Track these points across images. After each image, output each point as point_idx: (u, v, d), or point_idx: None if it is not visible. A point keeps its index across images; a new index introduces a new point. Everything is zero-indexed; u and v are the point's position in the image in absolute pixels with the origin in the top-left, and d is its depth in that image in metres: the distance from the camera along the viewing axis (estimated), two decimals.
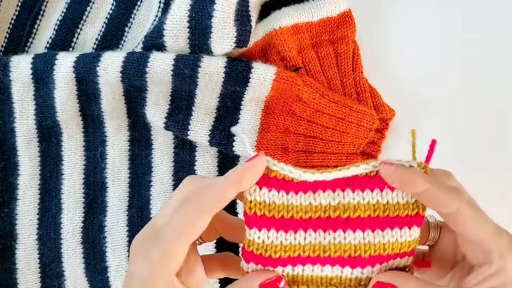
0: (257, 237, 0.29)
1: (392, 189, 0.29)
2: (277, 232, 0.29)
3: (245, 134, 0.30)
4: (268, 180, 0.29)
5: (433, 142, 0.30)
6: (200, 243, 0.32)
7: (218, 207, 0.28)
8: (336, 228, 0.30)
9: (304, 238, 0.30)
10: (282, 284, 0.29)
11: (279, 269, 0.30)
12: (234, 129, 0.30)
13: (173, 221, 0.28)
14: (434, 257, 0.32)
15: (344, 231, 0.29)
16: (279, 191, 0.29)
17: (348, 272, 0.30)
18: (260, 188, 0.29)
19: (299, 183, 0.29)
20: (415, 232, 0.29)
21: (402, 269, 0.31)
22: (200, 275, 0.31)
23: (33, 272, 0.45)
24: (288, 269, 0.30)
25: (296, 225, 0.30)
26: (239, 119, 0.45)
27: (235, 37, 0.43)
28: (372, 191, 0.29)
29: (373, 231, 0.29)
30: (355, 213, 0.29)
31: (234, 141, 0.44)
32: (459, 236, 0.29)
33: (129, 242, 0.46)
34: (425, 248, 0.33)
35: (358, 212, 0.29)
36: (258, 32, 0.46)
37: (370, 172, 0.29)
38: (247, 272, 0.30)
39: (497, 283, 0.26)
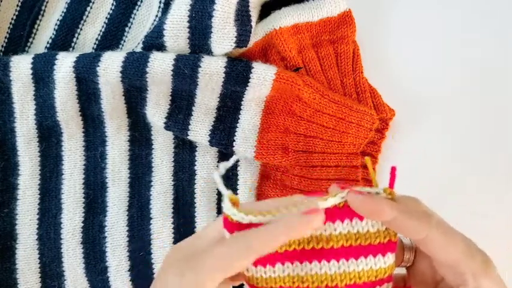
0: (246, 270, 0.30)
1: (361, 218, 0.30)
2: (256, 267, 0.30)
3: (218, 177, 0.30)
4: (234, 225, 0.29)
5: (393, 169, 0.30)
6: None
7: (265, 251, 0.27)
8: (312, 259, 0.30)
9: (283, 271, 0.30)
10: None
11: None
12: (216, 175, 0.30)
13: (215, 253, 0.27)
14: (413, 279, 0.32)
15: (319, 262, 0.30)
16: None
17: None
18: (231, 233, 0.29)
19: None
20: (389, 259, 0.30)
21: None
22: None
23: (33, 272, 0.45)
24: None
25: (273, 260, 0.30)
26: (239, 119, 0.45)
27: (235, 37, 0.43)
28: (342, 222, 0.30)
29: (347, 260, 0.30)
30: (329, 244, 0.30)
31: (234, 141, 0.45)
32: (433, 259, 0.29)
33: (129, 242, 0.46)
34: (403, 272, 0.33)
35: (331, 243, 0.30)
36: (258, 32, 0.46)
37: (339, 203, 0.30)
38: None
39: None
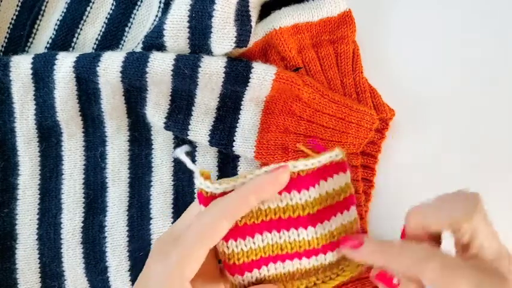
0: (228, 247, 0.31)
1: (325, 179, 0.32)
2: (236, 241, 0.31)
3: (184, 155, 0.31)
4: (207, 198, 0.30)
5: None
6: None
7: (238, 214, 0.29)
8: (289, 227, 0.31)
9: (262, 240, 0.31)
10: None
11: (249, 276, 0.32)
12: (177, 152, 0.31)
13: (193, 227, 0.29)
14: None
15: (296, 229, 0.32)
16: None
17: (305, 263, 0.32)
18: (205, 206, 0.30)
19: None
20: (353, 212, 0.32)
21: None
22: (218, 285, 0.32)
23: (33, 272, 0.45)
24: (255, 273, 0.32)
25: (251, 231, 0.31)
26: (239, 119, 0.45)
27: (235, 37, 0.43)
28: (314, 187, 0.32)
29: (322, 223, 0.32)
30: (305, 211, 0.31)
31: (234, 141, 0.45)
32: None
33: (129, 242, 0.46)
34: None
35: (307, 209, 0.31)
36: (258, 32, 0.46)
37: (308, 169, 0.31)
38: (234, 285, 0.32)
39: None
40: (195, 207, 0.32)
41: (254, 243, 0.31)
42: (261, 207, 0.31)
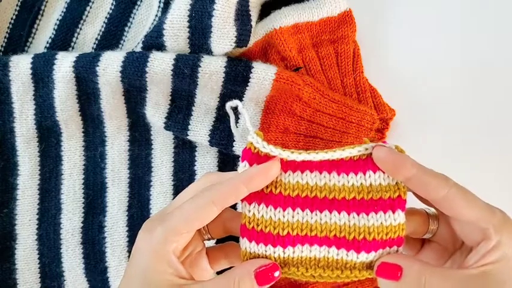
0: (257, 211, 0.30)
1: (374, 171, 0.30)
2: (267, 207, 0.30)
3: (243, 109, 0.32)
4: (252, 156, 0.30)
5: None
6: (209, 239, 0.33)
7: (228, 201, 0.29)
8: (322, 208, 0.30)
9: (293, 216, 0.30)
10: (277, 273, 0.30)
11: (271, 250, 0.31)
12: (232, 104, 0.33)
13: (182, 207, 0.29)
14: (434, 247, 0.32)
15: (330, 212, 0.30)
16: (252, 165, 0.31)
17: (334, 253, 0.31)
18: (251, 165, 0.30)
19: (287, 162, 0.30)
20: (399, 216, 0.30)
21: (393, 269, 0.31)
22: (205, 266, 0.32)
23: (32, 272, 0.45)
24: (279, 251, 0.31)
25: (284, 203, 0.30)
26: (239, 118, 0.45)
27: (235, 37, 0.43)
28: (356, 174, 0.30)
29: (358, 214, 0.30)
30: (340, 195, 0.30)
31: (234, 141, 0.44)
32: (454, 219, 0.30)
33: (129, 242, 0.45)
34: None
35: (343, 193, 0.30)
36: (258, 31, 0.46)
37: (354, 156, 0.30)
38: (248, 253, 0.31)
39: (496, 257, 0.27)
40: (187, 192, 0.32)
41: (284, 216, 0.30)
42: (300, 181, 0.30)
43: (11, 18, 0.49)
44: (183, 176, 0.46)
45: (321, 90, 0.44)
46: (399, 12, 0.49)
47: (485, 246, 0.27)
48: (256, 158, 0.30)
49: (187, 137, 0.45)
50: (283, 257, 0.31)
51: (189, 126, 0.44)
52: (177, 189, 0.46)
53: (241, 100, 0.44)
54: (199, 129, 0.44)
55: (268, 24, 0.46)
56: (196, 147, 0.47)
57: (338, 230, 0.30)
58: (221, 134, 0.44)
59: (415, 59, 0.48)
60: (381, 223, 0.30)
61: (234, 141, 0.44)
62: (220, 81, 0.43)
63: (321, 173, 0.30)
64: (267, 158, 0.30)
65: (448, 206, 0.28)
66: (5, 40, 0.49)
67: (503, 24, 0.49)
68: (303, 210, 0.30)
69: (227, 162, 0.47)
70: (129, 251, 0.45)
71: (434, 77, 0.48)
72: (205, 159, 0.47)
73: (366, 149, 0.30)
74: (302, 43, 0.47)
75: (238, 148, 0.44)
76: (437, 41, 0.48)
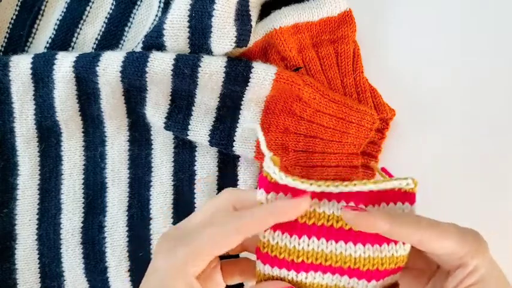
0: (272, 237, 0.30)
1: (387, 203, 0.30)
2: (283, 234, 0.30)
3: (260, 132, 0.32)
4: (270, 184, 0.30)
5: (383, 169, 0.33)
6: (224, 255, 0.33)
7: (253, 232, 0.29)
8: (338, 239, 0.30)
9: (308, 244, 0.30)
10: None
11: (285, 273, 0.31)
12: (249, 126, 0.32)
13: (207, 231, 0.29)
14: (411, 272, 0.33)
15: (345, 243, 0.30)
16: (286, 194, 0.30)
17: (345, 282, 0.31)
18: (268, 193, 0.30)
19: (305, 190, 0.30)
20: (408, 246, 0.30)
21: (393, 285, 0.32)
22: (218, 280, 0.33)
23: (32, 272, 0.45)
24: (292, 274, 0.31)
25: (300, 230, 0.30)
26: (239, 119, 0.45)
27: (235, 37, 0.43)
28: (373, 206, 0.30)
29: (372, 245, 0.30)
30: None
31: (234, 141, 0.44)
32: (430, 254, 0.31)
33: (129, 242, 0.45)
34: None
35: None
36: (258, 31, 0.46)
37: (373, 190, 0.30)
38: (262, 275, 0.31)
39: (474, 280, 0.28)
40: (206, 211, 0.31)
41: (299, 244, 0.30)
42: (317, 210, 0.30)
43: (11, 18, 0.49)
44: (183, 176, 0.46)
45: (321, 90, 0.44)
46: (399, 12, 0.49)
47: (463, 271, 0.29)
48: (274, 186, 0.30)
49: (187, 137, 0.45)
50: (296, 280, 0.31)
51: (189, 126, 0.44)
52: (177, 189, 0.46)
53: (241, 100, 0.44)
54: (199, 129, 0.44)
55: (268, 24, 0.46)
56: (196, 147, 0.47)
57: (353, 261, 0.30)
58: (221, 134, 0.44)
59: (415, 59, 0.48)
60: (392, 254, 0.30)
61: (234, 141, 0.44)
62: (220, 81, 0.43)
63: (338, 202, 0.30)
64: (286, 186, 0.30)
65: (423, 247, 0.29)
66: (5, 40, 0.49)
67: (503, 24, 0.49)
68: (318, 239, 0.30)
69: (227, 162, 0.47)
70: (129, 251, 0.45)
71: (434, 77, 0.48)
72: (205, 159, 0.47)
73: (386, 185, 0.30)
74: (302, 43, 0.47)
75: (238, 148, 0.44)
76: (437, 41, 0.48)
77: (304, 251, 0.30)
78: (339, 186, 0.29)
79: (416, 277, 0.33)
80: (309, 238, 0.30)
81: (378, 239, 0.30)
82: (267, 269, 0.31)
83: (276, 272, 0.31)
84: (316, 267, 0.31)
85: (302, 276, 0.31)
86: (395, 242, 0.30)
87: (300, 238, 0.30)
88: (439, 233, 0.29)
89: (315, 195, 0.30)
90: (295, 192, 0.30)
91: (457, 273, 0.29)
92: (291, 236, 0.30)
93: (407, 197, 0.30)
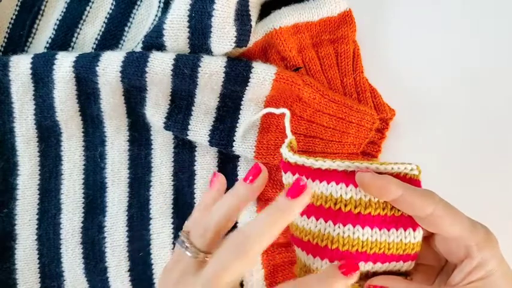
0: (314, 225, 0.31)
1: None
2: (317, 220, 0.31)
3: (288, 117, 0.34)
4: (288, 165, 0.31)
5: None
6: None
7: (262, 249, 0.28)
8: (346, 222, 0.30)
9: (315, 226, 0.31)
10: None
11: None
12: (277, 111, 0.35)
13: (215, 258, 0.27)
14: (419, 268, 0.32)
15: (353, 226, 0.30)
16: (294, 174, 0.31)
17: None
18: (285, 172, 0.31)
19: (314, 170, 0.30)
20: (419, 234, 0.30)
21: (404, 273, 0.32)
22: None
23: (32, 272, 0.45)
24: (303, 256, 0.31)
25: (308, 212, 0.31)
26: (239, 118, 0.45)
27: (235, 37, 0.43)
28: None
29: (380, 229, 0.30)
30: (366, 210, 0.30)
31: (233, 141, 0.44)
32: (437, 236, 0.30)
33: (129, 242, 0.45)
34: None
35: (369, 209, 0.30)
36: (258, 31, 0.46)
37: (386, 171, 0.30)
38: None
39: (480, 275, 0.28)
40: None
41: (307, 223, 0.31)
42: (324, 192, 0.31)
43: (11, 18, 0.49)
44: (183, 176, 0.46)
45: (321, 90, 0.44)
46: (399, 12, 0.49)
47: (469, 264, 0.28)
48: (295, 167, 0.31)
49: (187, 137, 0.45)
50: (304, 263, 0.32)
51: (189, 126, 0.44)
52: (177, 189, 0.46)
53: (241, 100, 0.44)
54: (199, 129, 0.44)
55: (268, 24, 0.46)
56: (196, 147, 0.47)
57: (360, 245, 0.30)
58: (221, 134, 0.44)
59: (415, 59, 0.48)
60: (401, 240, 0.30)
61: (234, 141, 0.44)
62: (220, 81, 0.43)
63: (347, 186, 0.31)
64: (303, 167, 0.31)
65: (433, 224, 0.29)
66: (5, 40, 0.49)
67: (503, 24, 0.49)
68: (326, 222, 0.31)
69: (227, 162, 0.47)
70: (129, 251, 0.45)
71: (434, 77, 0.48)
72: (205, 159, 0.46)
73: (392, 168, 0.30)
74: (302, 43, 0.47)
75: (238, 148, 0.44)
76: (437, 41, 0.48)
77: (311, 232, 0.31)
78: (355, 163, 0.30)
79: (426, 273, 0.32)
80: (317, 219, 0.31)
81: (386, 224, 0.30)
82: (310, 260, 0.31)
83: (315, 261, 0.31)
84: (322, 252, 0.31)
85: (310, 260, 0.31)
86: (405, 228, 0.30)
87: (308, 218, 0.31)
88: (453, 214, 0.28)
89: (322, 176, 0.31)
90: (302, 171, 0.31)
91: (463, 266, 0.28)
92: (301, 216, 0.31)
93: (412, 183, 0.30)
